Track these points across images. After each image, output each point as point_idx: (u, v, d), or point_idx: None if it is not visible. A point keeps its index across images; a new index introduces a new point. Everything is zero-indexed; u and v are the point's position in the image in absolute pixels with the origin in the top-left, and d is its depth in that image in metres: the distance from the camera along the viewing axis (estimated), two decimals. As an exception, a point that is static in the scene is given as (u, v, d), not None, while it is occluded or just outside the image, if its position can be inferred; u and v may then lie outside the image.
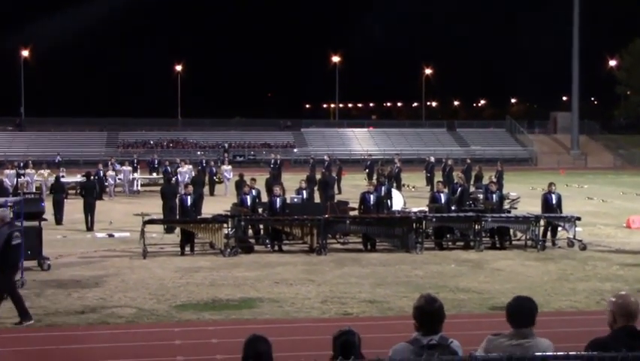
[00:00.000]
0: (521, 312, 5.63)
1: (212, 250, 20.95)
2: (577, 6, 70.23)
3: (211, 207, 28.47)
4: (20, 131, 76.01)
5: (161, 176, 40.66)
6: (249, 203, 22.88)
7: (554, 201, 22.62)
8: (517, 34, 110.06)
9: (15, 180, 37.13)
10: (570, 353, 5.01)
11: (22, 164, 41.99)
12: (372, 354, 5.66)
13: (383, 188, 25.61)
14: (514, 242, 22.31)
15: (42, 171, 38.06)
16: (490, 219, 21.57)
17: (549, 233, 22.27)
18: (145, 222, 20.49)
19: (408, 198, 30.36)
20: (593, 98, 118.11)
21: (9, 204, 16.54)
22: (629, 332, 5.47)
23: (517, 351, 5.36)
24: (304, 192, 25.55)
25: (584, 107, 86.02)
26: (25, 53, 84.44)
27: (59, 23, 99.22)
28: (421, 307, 5.57)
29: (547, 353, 5.35)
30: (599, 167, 67.35)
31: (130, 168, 41.38)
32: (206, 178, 38.12)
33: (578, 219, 22.26)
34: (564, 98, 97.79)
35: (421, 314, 5.55)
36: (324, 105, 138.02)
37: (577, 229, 22.21)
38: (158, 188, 31.67)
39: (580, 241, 21.64)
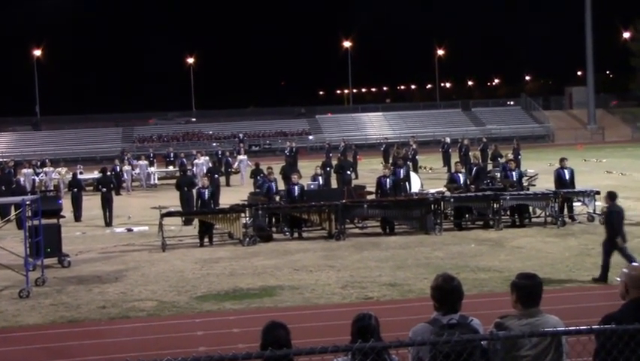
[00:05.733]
0: (531, 292, 5.54)
1: (230, 240, 20.97)
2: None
3: (227, 197, 28.48)
4: (36, 130, 76.31)
5: (177, 169, 40.69)
6: (274, 190, 22.89)
7: (567, 177, 22.47)
8: (528, 9, 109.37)
9: (32, 178, 37.36)
10: (581, 327, 4.94)
11: (39, 163, 42.20)
12: (395, 337, 5.58)
13: (401, 171, 25.50)
14: (533, 219, 22.17)
15: (59, 169, 38.21)
16: (508, 198, 21.44)
17: (565, 209, 22.11)
18: (163, 215, 20.53)
19: (425, 180, 30.22)
20: (608, 72, 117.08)
21: (27, 202, 16.58)
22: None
23: (527, 331, 5.29)
24: (320, 178, 25.52)
25: (600, 81, 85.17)
26: (37, 53, 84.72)
27: (70, 21, 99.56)
28: (438, 286, 5.50)
29: (566, 329, 5.28)
30: (616, 140, 66.76)
31: (146, 162, 41.46)
32: (223, 169, 38.22)
33: (597, 193, 22.05)
34: (579, 73, 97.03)
35: (439, 293, 5.48)
36: (338, 91, 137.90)
37: (596, 203, 22.02)
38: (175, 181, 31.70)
39: (600, 215, 21.41)
